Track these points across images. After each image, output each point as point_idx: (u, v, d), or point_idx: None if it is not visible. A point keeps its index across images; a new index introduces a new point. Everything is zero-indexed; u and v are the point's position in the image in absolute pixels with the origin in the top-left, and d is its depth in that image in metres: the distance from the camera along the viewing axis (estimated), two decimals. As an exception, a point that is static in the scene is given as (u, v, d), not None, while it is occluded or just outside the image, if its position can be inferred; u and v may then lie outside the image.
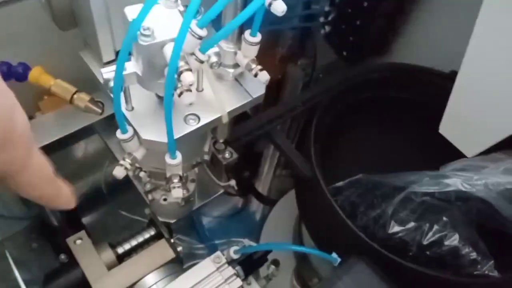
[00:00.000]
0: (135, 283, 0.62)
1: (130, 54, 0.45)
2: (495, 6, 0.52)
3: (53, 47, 0.71)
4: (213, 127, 0.58)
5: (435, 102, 0.67)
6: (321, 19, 0.84)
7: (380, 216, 0.65)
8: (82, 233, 0.65)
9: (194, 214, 1.00)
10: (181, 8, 0.44)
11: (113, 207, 0.95)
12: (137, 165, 0.54)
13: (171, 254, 0.64)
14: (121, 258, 0.65)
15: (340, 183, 0.69)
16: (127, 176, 0.54)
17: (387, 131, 0.81)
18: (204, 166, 0.74)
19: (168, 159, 0.50)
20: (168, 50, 0.41)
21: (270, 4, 0.43)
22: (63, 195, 0.32)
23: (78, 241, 0.64)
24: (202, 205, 0.79)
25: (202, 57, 0.42)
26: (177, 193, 0.54)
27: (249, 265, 0.63)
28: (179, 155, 0.50)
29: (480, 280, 0.62)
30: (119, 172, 0.51)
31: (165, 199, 0.69)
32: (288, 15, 0.77)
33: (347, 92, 0.77)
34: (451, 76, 0.63)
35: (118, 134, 0.49)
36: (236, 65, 0.55)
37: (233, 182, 0.76)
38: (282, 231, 1.02)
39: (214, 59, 0.47)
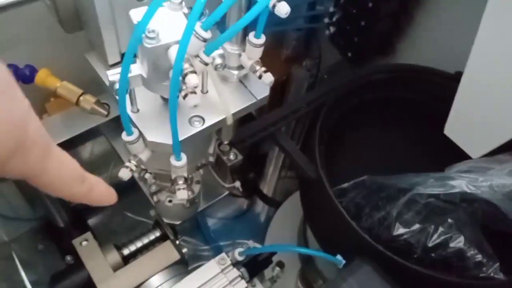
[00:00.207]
0: (140, 285, 0.62)
1: (135, 56, 0.45)
2: (500, 6, 0.52)
3: (60, 49, 0.71)
4: (217, 128, 0.58)
5: (440, 103, 0.67)
6: (326, 20, 0.84)
7: (385, 218, 0.65)
8: (88, 234, 0.65)
9: (199, 215, 1.01)
10: (186, 11, 0.45)
11: (119, 208, 0.96)
12: (142, 166, 0.54)
13: (176, 256, 0.65)
14: (126, 260, 0.65)
15: (345, 185, 0.69)
16: (132, 178, 0.54)
17: (392, 132, 0.81)
18: (209, 167, 0.74)
19: (173, 161, 0.50)
20: (173, 52, 0.41)
21: (274, 6, 0.43)
22: (97, 191, 0.32)
23: (84, 243, 0.64)
24: (207, 206, 0.79)
25: (206, 59, 0.42)
26: (182, 195, 0.54)
27: (254, 267, 0.63)
28: (184, 156, 0.50)
29: (485, 282, 0.61)
30: (124, 174, 0.51)
31: (170, 201, 0.69)
32: (293, 16, 0.77)
33: (352, 93, 0.77)
34: (456, 77, 0.62)
35: (124, 136, 0.49)
36: (241, 67, 0.55)
37: (238, 184, 0.76)
38: (287, 232, 1.02)
39: (218, 61, 0.47)
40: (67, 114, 0.74)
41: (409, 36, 0.84)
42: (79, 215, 0.88)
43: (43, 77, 0.64)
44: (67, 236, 0.73)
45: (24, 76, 0.64)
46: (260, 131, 0.71)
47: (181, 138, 0.48)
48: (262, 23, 0.46)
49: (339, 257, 0.61)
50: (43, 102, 0.77)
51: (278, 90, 0.98)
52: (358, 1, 0.77)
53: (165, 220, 0.71)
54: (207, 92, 0.54)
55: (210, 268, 0.61)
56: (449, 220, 0.63)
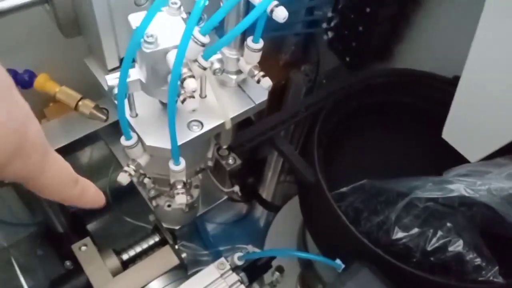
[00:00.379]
0: (139, 289, 0.62)
1: (134, 61, 0.45)
2: (496, 11, 0.52)
3: (58, 54, 0.71)
4: (216, 133, 0.58)
5: (438, 108, 0.67)
6: (324, 25, 0.84)
7: (384, 222, 0.65)
8: (87, 239, 0.65)
9: (198, 220, 1.01)
10: (184, 15, 0.45)
11: (118, 213, 0.96)
12: (141, 171, 0.54)
13: (175, 261, 0.65)
14: (125, 265, 0.65)
15: (344, 189, 0.69)
16: (131, 183, 0.54)
17: (390, 137, 0.81)
18: (208, 172, 0.74)
19: (172, 165, 0.50)
20: (171, 57, 0.41)
21: (272, 11, 0.43)
22: (88, 194, 0.33)
23: (83, 248, 0.64)
24: (206, 211, 0.79)
25: (205, 63, 0.42)
26: (181, 199, 0.54)
27: (253, 271, 0.63)
28: (182, 161, 0.50)
29: (484, 286, 0.61)
30: (123, 179, 0.51)
31: (169, 205, 0.69)
32: (291, 21, 0.78)
33: (350, 97, 0.78)
34: (454, 82, 0.63)
35: (123, 140, 0.49)
36: (239, 72, 0.55)
37: (237, 188, 0.76)
38: (286, 237, 1.02)
39: (217, 65, 0.47)
40: (66, 119, 0.74)
41: (407, 40, 0.84)
42: (78, 220, 0.88)
43: (42, 82, 0.65)
44: (66, 241, 0.73)
45: (23, 81, 0.64)
46: (259, 136, 0.71)
47: (179, 142, 0.48)
48: (260, 28, 0.47)
49: (338, 261, 0.61)
50: (42, 107, 0.77)
51: (276, 95, 0.98)
52: (356, 6, 0.77)
53: (164, 225, 0.71)
54: (205, 96, 0.54)
55: (209, 273, 0.60)
56: (448, 224, 0.63)
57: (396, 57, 0.87)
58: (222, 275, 0.60)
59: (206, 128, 0.52)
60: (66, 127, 0.73)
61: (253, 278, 0.63)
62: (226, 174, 0.71)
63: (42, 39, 0.70)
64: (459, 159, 0.65)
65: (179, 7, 0.44)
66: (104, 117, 0.65)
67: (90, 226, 0.95)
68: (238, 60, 0.53)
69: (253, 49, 0.49)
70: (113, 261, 0.64)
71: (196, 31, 0.40)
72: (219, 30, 0.50)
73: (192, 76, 0.41)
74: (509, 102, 0.56)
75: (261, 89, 0.52)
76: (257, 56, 0.50)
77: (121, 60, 0.58)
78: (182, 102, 0.42)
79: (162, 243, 0.68)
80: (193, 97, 0.42)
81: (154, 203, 0.69)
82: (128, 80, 0.45)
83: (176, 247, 0.67)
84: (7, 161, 0.24)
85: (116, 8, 0.52)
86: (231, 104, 0.55)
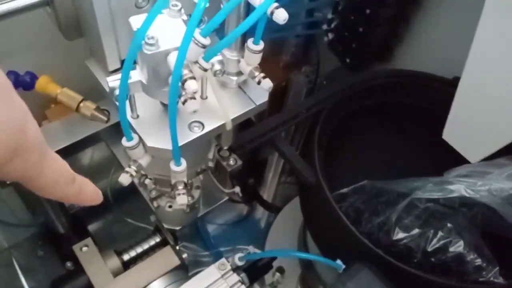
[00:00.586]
0: (140, 290, 0.62)
1: (135, 63, 0.46)
2: (496, 11, 0.52)
3: (60, 56, 0.72)
4: (217, 134, 0.58)
5: (439, 108, 0.67)
6: (324, 27, 0.85)
7: (385, 223, 0.65)
8: (88, 240, 0.65)
9: (199, 221, 1.01)
10: (185, 17, 0.45)
11: (119, 214, 0.96)
12: (142, 172, 0.54)
13: (176, 261, 0.65)
14: (126, 265, 0.65)
15: (344, 190, 0.69)
16: (132, 183, 0.54)
17: (390, 137, 0.81)
18: (208, 173, 0.74)
19: (173, 166, 0.50)
20: (172, 58, 0.42)
21: (272, 13, 0.43)
22: (86, 192, 0.33)
23: (84, 248, 0.64)
24: (207, 212, 0.79)
25: (205, 65, 0.43)
26: (182, 200, 0.54)
27: (254, 272, 0.63)
28: (183, 162, 0.50)
29: (485, 286, 0.61)
30: (124, 179, 0.51)
31: (170, 206, 0.69)
32: (292, 23, 0.78)
33: (350, 98, 0.78)
34: (454, 82, 0.63)
35: (124, 141, 0.49)
36: (240, 73, 0.55)
37: (237, 189, 0.76)
38: (287, 238, 1.02)
39: (217, 67, 0.47)
40: (67, 120, 0.74)
41: (407, 41, 0.84)
42: (79, 221, 0.88)
43: (43, 83, 0.65)
44: (67, 242, 0.73)
45: (25, 82, 0.65)
46: (259, 137, 0.71)
47: (180, 143, 0.48)
48: (261, 30, 0.47)
49: (339, 261, 0.61)
50: (43, 108, 0.77)
51: (277, 96, 0.98)
52: (356, 7, 0.77)
53: (165, 226, 0.71)
54: (206, 98, 0.54)
55: (210, 274, 0.61)
56: (449, 225, 0.63)
57: (396, 58, 0.87)
58: (223, 275, 0.60)
59: (207, 129, 0.52)
60: (67, 129, 0.74)
61: (254, 279, 0.63)
62: (227, 175, 0.72)
63: (43, 41, 0.70)
64: (460, 160, 0.65)
65: (180, 9, 0.44)
66: (105, 119, 0.65)
67: (91, 227, 0.96)
68: (238, 61, 0.53)
69: (253, 51, 0.49)
70: (114, 262, 0.64)
71: (196, 33, 0.40)
72: (219, 31, 0.50)
73: (193, 78, 0.41)
74: (509, 103, 0.57)
75: (262, 90, 0.52)
76: (257, 58, 0.50)
77: (122, 62, 0.59)
78: (183, 103, 0.43)
79: (163, 243, 0.69)
80: (194, 98, 0.43)
81: (155, 203, 0.69)
82: (129, 81, 0.45)
83: (177, 247, 0.67)
84: (7, 160, 0.25)
85: (117, 11, 0.53)
86: (231, 105, 0.55)
